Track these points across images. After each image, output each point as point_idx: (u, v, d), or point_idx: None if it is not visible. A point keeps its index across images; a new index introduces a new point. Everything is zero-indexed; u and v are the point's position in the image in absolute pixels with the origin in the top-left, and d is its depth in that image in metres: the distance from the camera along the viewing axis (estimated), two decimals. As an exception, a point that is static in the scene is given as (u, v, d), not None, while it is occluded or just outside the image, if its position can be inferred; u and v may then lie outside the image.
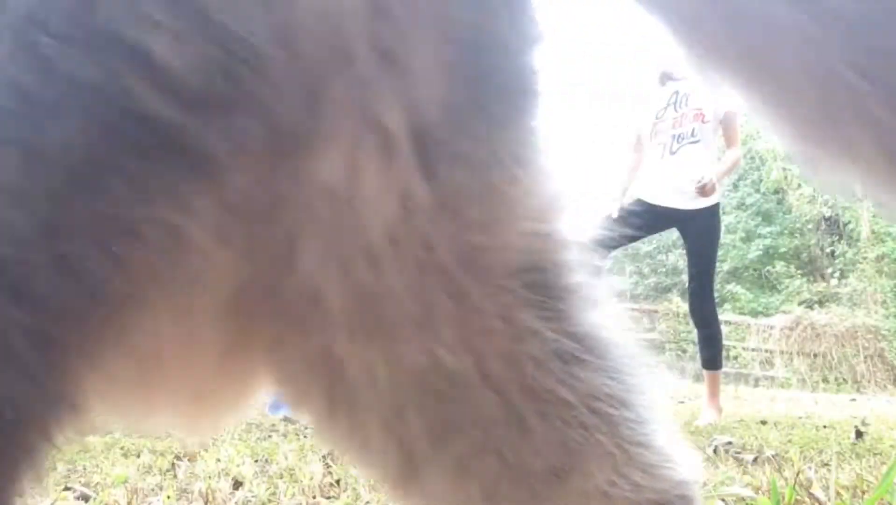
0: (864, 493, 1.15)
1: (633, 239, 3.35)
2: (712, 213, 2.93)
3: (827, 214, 15.05)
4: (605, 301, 0.48)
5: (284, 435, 2.28)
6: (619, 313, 0.50)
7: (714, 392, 3.01)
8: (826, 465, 1.56)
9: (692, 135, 2.89)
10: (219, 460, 1.64)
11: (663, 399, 0.50)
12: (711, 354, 3.02)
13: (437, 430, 0.44)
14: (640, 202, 3.01)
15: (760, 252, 15.63)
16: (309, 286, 0.41)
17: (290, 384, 0.48)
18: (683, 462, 0.46)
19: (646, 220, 3.01)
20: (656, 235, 20.75)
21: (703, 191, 2.80)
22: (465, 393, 0.43)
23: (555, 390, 0.43)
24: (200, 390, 0.48)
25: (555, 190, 0.46)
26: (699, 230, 2.94)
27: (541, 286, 0.44)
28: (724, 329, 11.32)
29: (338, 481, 1.35)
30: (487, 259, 0.42)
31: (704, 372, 3.06)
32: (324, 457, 1.64)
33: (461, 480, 0.45)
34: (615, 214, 2.96)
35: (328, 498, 1.23)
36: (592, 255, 0.48)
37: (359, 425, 0.46)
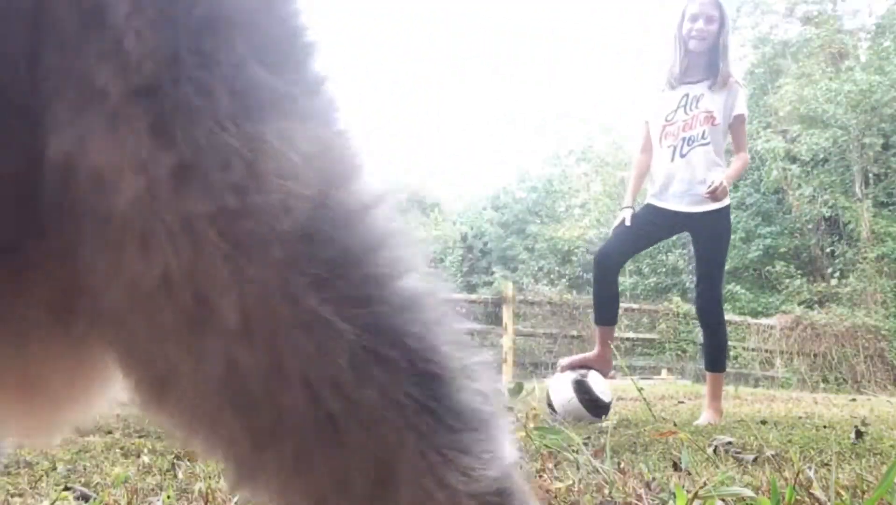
0: (864, 493, 1.15)
1: (647, 246, 3.36)
2: (722, 215, 2.93)
3: (827, 214, 15.04)
4: (413, 278, 0.42)
5: (284, 435, 2.28)
6: (438, 293, 0.43)
7: (716, 394, 3.00)
8: (826, 465, 1.56)
9: (702, 137, 2.90)
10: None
11: (494, 387, 0.45)
12: (716, 355, 3.02)
13: (256, 434, 0.40)
14: (650, 207, 3.01)
15: (760, 252, 15.62)
16: (92, 281, 0.38)
17: (124, 376, 0.44)
18: (503, 455, 0.43)
19: (657, 224, 3.01)
20: (656, 235, 20.33)
21: (714, 195, 2.80)
22: (273, 395, 0.39)
23: (360, 392, 0.39)
24: (35, 386, 0.45)
25: (330, 154, 0.41)
26: (709, 233, 2.95)
27: (325, 262, 0.39)
28: (725, 329, 11.32)
29: (338, 481, 1.35)
30: (253, 228, 0.38)
31: (707, 373, 3.06)
32: (324, 457, 1.63)
33: (288, 489, 0.41)
34: (628, 222, 2.96)
35: (328, 498, 1.23)
36: (395, 224, 0.42)
37: (187, 423, 0.42)
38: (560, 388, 2.87)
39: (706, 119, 2.89)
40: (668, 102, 2.98)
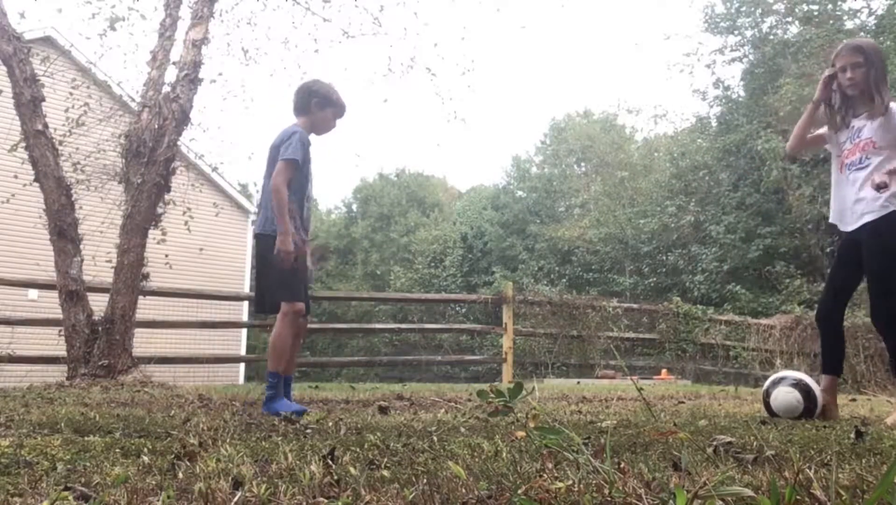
0: (864, 493, 1.15)
1: (850, 277, 3.38)
2: (881, 224, 3.08)
3: (827, 214, 15.02)
4: None
5: (284, 435, 2.28)
6: None
7: None
8: (826, 465, 1.56)
9: (860, 162, 3.19)
10: (219, 460, 1.64)
11: None
12: None
13: None
14: (841, 236, 3.33)
15: (760, 252, 15.61)
16: None
17: None
18: None
19: (844, 253, 3.30)
20: (655, 236, 20.44)
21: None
22: None
23: None
24: None
25: None
26: (870, 244, 3.11)
27: None
28: (724, 329, 11.25)
29: (338, 481, 1.35)
30: None
31: None
32: (324, 457, 1.64)
33: None
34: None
35: (328, 498, 1.23)
36: None
37: None
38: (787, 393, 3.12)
39: (865, 146, 3.17)
40: (841, 139, 3.31)
